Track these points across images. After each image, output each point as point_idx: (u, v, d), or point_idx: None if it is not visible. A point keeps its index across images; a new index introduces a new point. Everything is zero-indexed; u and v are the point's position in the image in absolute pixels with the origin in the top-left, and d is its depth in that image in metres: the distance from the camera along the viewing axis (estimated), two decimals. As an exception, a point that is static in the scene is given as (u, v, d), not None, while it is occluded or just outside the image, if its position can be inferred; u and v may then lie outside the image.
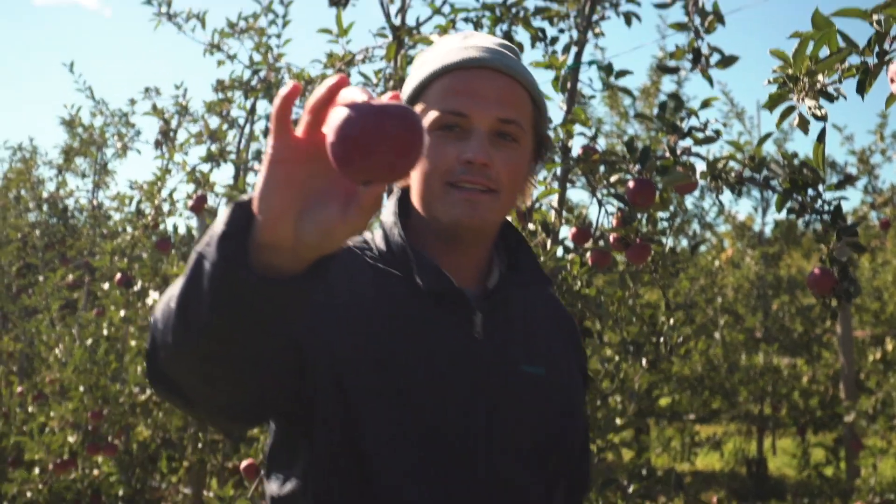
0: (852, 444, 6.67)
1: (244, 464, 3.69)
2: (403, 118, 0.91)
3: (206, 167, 5.67)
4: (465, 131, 1.55)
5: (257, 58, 5.67)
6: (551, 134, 2.83)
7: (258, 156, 5.62)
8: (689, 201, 9.25)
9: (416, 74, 1.64)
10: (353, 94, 0.94)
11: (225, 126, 5.83)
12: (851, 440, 6.70)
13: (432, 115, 1.56)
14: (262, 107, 8.85)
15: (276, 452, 1.57)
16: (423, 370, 1.48)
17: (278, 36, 5.69)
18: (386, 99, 0.94)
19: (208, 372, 1.14)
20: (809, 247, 9.66)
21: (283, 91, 0.95)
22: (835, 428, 7.71)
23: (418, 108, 1.60)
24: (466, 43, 1.64)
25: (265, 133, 5.55)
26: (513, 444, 1.55)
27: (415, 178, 1.59)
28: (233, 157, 5.71)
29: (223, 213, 1.03)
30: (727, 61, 3.34)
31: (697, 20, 3.28)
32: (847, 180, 2.84)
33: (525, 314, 1.68)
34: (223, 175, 32.23)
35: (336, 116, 0.92)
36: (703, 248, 9.95)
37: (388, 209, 1.66)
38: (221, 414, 1.28)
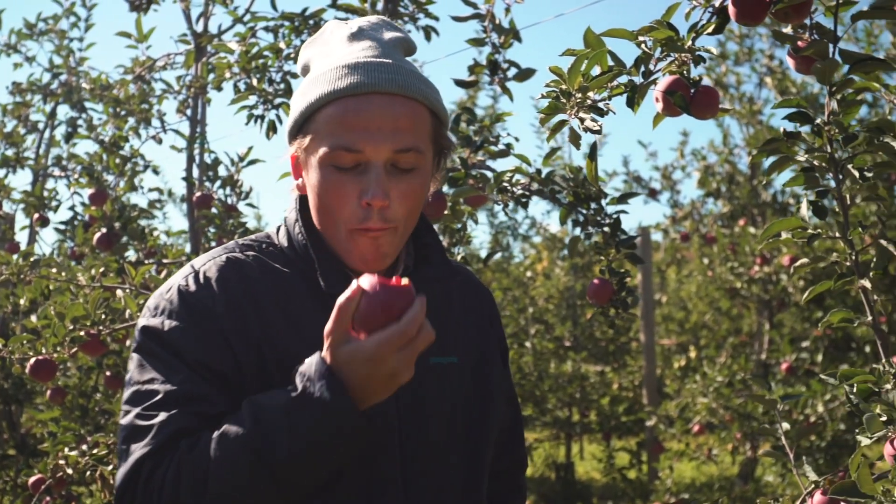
0: (653, 448, 6.95)
1: (32, 479, 3.54)
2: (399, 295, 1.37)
3: (1, 172, 5.44)
4: (361, 167, 1.49)
5: (58, 61, 5.47)
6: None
7: (58, 161, 5.41)
8: (502, 215, 9.43)
9: (301, 98, 1.55)
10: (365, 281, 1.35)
11: (23, 130, 5.59)
12: (652, 444, 6.97)
13: (323, 149, 1.49)
14: (63, 111, 8.51)
15: None
16: None
17: (80, 39, 5.51)
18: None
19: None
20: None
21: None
22: (639, 433, 7.99)
23: (307, 137, 1.53)
24: (353, 56, 1.53)
25: (66, 138, 5.35)
26: (427, 437, 1.55)
27: (316, 207, 1.55)
28: (31, 162, 5.48)
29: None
30: (524, 75, 3.40)
31: (495, 37, 3.36)
32: (629, 196, 2.93)
33: (437, 305, 1.60)
34: (19, 181, 30.81)
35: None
36: (517, 258, 10.17)
37: (290, 208, 1.64)
38: None
